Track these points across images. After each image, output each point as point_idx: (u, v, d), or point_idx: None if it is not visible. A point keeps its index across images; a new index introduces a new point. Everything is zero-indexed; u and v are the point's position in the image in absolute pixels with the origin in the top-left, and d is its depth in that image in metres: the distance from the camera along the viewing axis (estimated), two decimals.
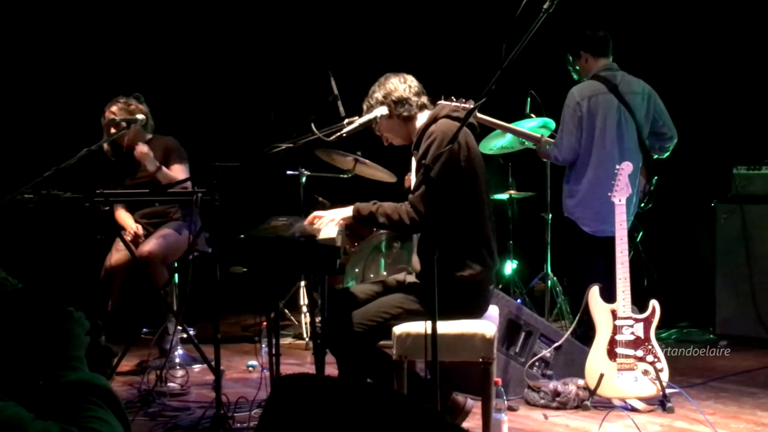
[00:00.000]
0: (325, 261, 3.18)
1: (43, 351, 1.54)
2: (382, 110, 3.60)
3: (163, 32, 7.14)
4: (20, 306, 1.57)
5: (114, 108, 4.99)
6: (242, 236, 3.27)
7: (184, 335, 4.85)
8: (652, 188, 5.11)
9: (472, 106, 3.14)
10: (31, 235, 4.20)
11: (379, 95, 3.64)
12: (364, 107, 3.70)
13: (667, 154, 5.15)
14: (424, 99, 3.69)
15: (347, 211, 3.55)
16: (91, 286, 4.98)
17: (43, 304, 1.58)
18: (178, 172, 5.00)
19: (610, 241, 4.23)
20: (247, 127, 6.80)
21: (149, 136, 5.16)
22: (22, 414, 1.41)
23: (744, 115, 6.38)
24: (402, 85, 3.64)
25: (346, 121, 3.59)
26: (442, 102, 3.68)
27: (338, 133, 3.52)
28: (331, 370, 3.77)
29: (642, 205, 5.08)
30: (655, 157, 5.09)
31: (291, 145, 3.49)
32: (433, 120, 3.54)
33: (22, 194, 3.94)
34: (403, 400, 1.70)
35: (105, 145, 5.00)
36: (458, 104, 3.65)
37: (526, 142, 5.39)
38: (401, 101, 3.62)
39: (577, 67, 5.09)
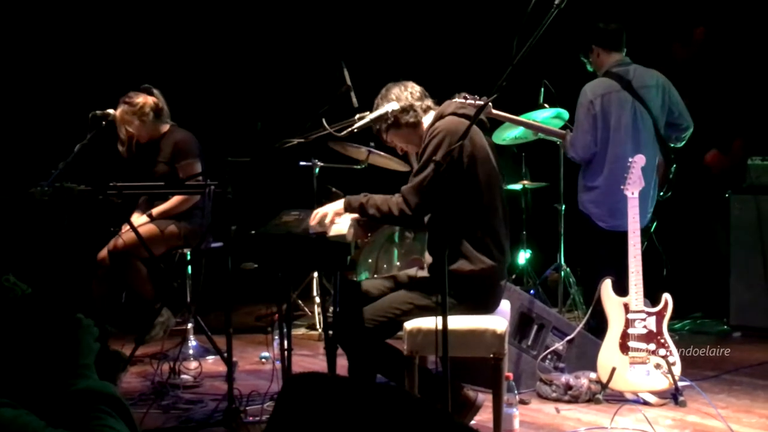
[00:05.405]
0: (335, 257, 3.18)
1: (53, 359, 1.55)
2: (393, 105, 3.59)
3: (175, 26, 7.15)
4: (30, 313, 1.58)
5: (118, 110, 4.92)
6: (253, 232, 3.28)
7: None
8: (671, 176, 5.09)
9: (483, 103, 3.12)
10: (44, 227, 4.23)
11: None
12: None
13: (683, 143, 5.13)
14: (428, 102, 3.68)
15: (338, 205, 3.52)
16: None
17: (53, 312, 1.59)
18: (187, 170, 4.94)
19: (624, 235, 4.21)
20: (258, 121, 6.79)
21: (165, 126, 5.09)
22: (34, 422, 1.43)
23: (759, 106, 6.32)
24: (404, 92, 3.63)
25: (357, 116, 3.58)
26: (457, 99, 3.66)
27: (349, 129, 3.51)
28: (344, 362, 3.78)
29: (661, 194, 5.07)
30: (671, 145, 5.07)
31: (302, 140, 3.49)
32: (438, 118, 3.53)
33: (40, 187, 3.96)
34: (412, 400, 1.71)
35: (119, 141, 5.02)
36: (472, 99, 3.64)
37: (540, 134, 5.37)
38: (406, 109, 3.61)
39: (590, 60, 5.06)
